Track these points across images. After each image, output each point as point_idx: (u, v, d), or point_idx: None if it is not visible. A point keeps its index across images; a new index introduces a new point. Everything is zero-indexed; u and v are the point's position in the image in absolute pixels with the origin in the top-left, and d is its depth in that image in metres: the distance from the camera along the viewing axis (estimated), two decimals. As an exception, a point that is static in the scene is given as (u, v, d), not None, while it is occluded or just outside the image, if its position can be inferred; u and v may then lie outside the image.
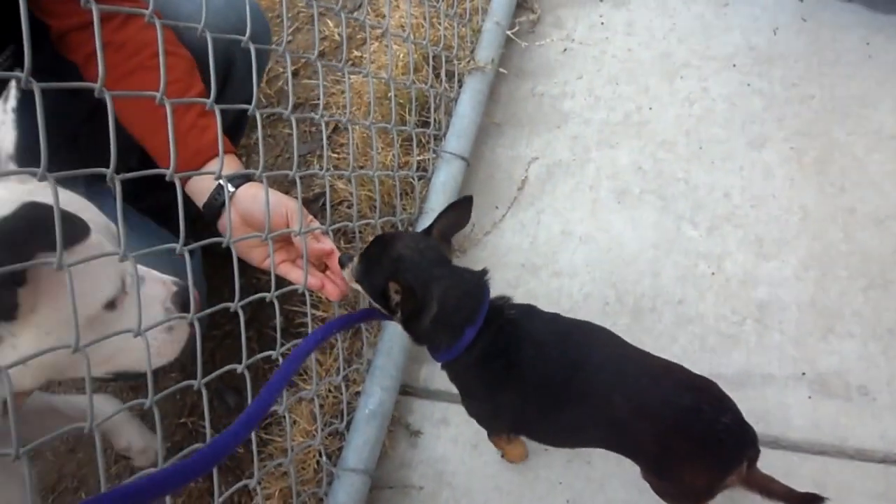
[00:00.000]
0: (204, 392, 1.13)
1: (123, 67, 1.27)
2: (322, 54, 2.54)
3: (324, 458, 1.46)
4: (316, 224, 1.32)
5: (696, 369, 1.56)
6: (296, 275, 1.30)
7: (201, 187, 1.26)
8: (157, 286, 1.07)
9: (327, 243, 1.33)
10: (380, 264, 1.18)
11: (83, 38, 1.29)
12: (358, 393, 1.58)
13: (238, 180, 1.25)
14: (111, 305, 0.99)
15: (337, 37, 2.53)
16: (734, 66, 2.08)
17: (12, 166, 0.96)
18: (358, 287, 1.24)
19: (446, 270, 1.19)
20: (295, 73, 2.56)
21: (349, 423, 1.53)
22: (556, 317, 1.25)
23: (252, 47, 1.23)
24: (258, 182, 1.24)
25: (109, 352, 1.00)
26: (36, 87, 0.82)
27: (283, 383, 1.05)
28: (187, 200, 1.17)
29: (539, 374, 1.16)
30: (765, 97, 1.99)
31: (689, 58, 2.13)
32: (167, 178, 1.05)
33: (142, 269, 1.03)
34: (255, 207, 1.22)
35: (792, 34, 2.10)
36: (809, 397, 1.53)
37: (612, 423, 1.14)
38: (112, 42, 1.26)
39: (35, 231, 0.84)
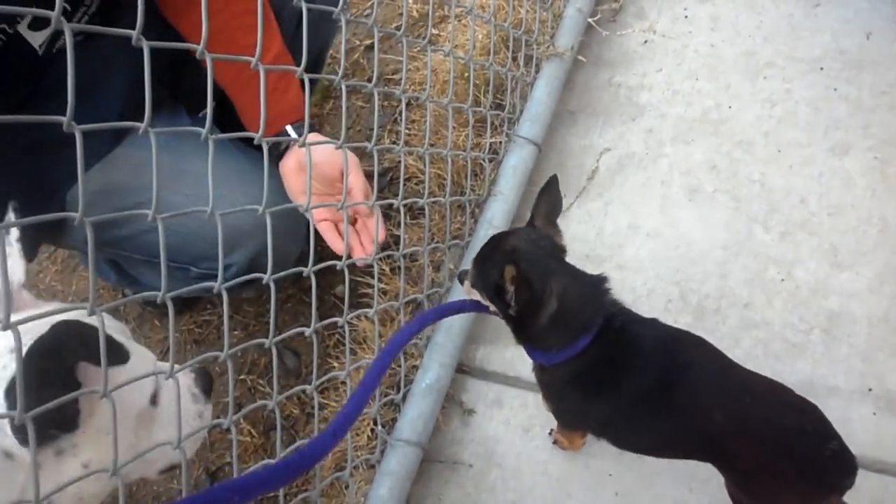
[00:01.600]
0: (274, 350, 1.16)
1: (214, 22, 1.30)
2: (398, 28, 2.55)
3: (379, 426, 1.49)
4: (367, 191, 1.36)
5: (759, 375, 1.55)
6: (330, 235, 1.35)
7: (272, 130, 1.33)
8: (181, 377, 1.07)
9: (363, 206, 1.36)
10: (493, 260, 1.14)
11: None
12: (416, 367, 1.60)
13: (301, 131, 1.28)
14: (154, 400, 1.05)
15: (415, 13, 2.54)
16: (821, 69, 2.02)
17: (25, 295, 1.00)
18: (476, 295, 1.21)
19: (565, 267, 1.16)
20: (370, 47, 2.58)
21: (405, 396, 1.55)
22: (658, 325, 1.22)
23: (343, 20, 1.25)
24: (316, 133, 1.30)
25: (157, 455, 1.06)
26: (145, 45, 0.85)
27: (379, 377, 1.09)
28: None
29: (639, 386, 1.14)
30: (851, 103, 1.93)
31: (774, 58, 2.07)
32: (255, 142, 1.09)
33: (163, 365, 1.05)
34: (315, 156, 1.26)
35: (886, 40, 2.02)
36: (874, 414, 1.49)
37: (710, 438, 1.12)
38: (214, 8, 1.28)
39: (76, 343, 0.87)
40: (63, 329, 0.86)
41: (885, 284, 1.64)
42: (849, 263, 1.68)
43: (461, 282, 1.26)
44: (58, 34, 1.30)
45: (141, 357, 1.04)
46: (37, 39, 1.30)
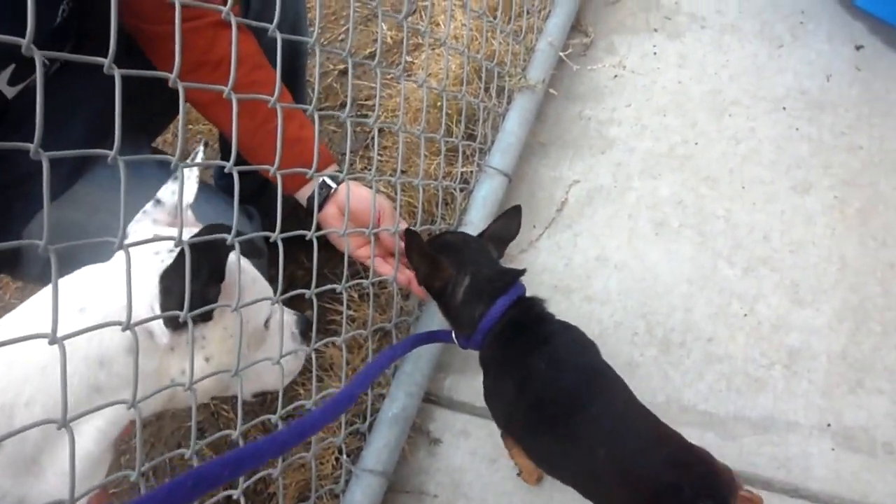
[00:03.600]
0: (240, 378, 1.15)
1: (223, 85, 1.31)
2: (372, 56, 2.57)
3: (344, 455, 1.47)
4: (404, 224, 1.47)
5: (721, 410, 1.58)
6: (385, 269, 1.48)
7: (305, 189, 1.45)
8: (288, 315, 1.26)
9: None
10: (422, 252, 1.33)
11: (167, 43, 1.33)
12: (382, 395, 1.59)
13: (336, 179, 1.45)
14: (266, 324, 1.17)
15: (389, 40, 2.56)
16: (784, 108, 2.08)
17: (189, 214, 1.13)
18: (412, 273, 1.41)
19: (485, 258, 1.36)
20: (344, 72, 2.59)
21: (371, 425, 1.54)
22: (580, 352, 1.29)
23: (317, 50, 1.26)
24: (355, 183, 1.43)
25: (256, 374, 1.18)
26: (117, 73, 0.85)
27: (365, 384, 1.20)
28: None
29: (540, 387, 1.20)
30: (812, 143, 1.98)
31: (739, 96, 2.13)
32: (281, 195, 1.18)
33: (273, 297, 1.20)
34: (354, 204, 1.40)
35: (845, 82, 2.09)
36: (833, 449, 1.52)
37: (591, 473, 1.13)
38: (207, 61, 1.30)
39: (224, 242, 1.00)
40: (216, 229, 0.98)
41: (844, 321, 1.68)
42: (809, 300, 1.72)
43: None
44: (26, 76, 1.30)
45: (263, 282, 1.19)
46: (11, 92, 1.30)
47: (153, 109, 1.57)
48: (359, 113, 2.34)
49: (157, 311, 0.98)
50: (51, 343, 0.81)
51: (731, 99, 2.12)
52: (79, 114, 1.41)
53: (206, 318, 1.03)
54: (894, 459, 1.49)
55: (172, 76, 0.95)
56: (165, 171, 1.32)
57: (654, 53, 2.28)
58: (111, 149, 0.97)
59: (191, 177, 1.14)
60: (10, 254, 1.43)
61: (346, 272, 1.43)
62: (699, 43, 2.28)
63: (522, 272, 1.35)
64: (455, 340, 1.39)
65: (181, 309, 0.96)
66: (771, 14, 2.29)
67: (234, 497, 1.17)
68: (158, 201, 1.15)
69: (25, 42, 0.75)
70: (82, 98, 1.39)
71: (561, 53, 2.24)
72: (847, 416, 1.56)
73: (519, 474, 1.53)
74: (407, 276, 1.50)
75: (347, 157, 1.42)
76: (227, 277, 1.04)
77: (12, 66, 1.29)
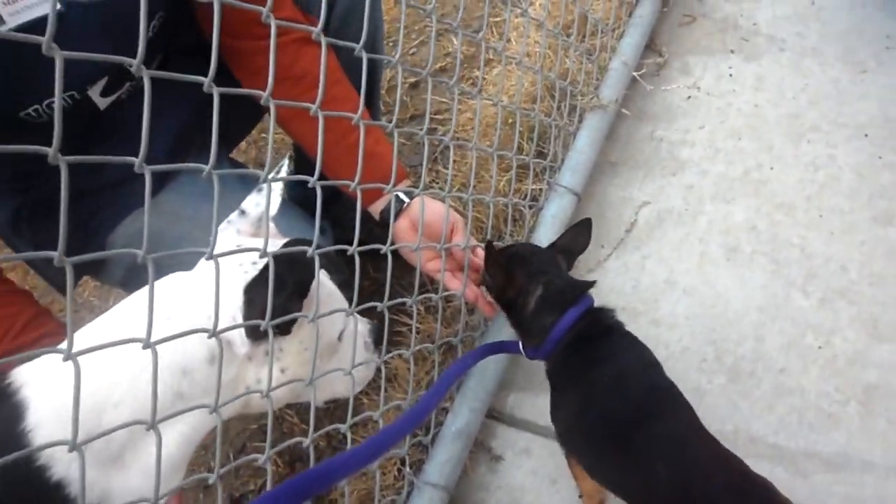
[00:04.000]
0: (313, 387, 1.17)
1: (305, 100, 1.34)
2: (443, 70, 2.60)
3: (407, 467, 1.49)
4: (473, 241, 1.49)
5: (792, 444, 1.53)
6: (454, 284, 1.49)
7: (378, 203, 1.48)
8: (361, 325, 1.29)
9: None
10: (495, 262, 1.36)
11: (254, 58, 1.38)
12: (445, 410, 1.60)
13: (409, 193, 1.47)
14: (340, 337, 1.20)
15: (461, 55, 2.58)
16: (866, 135, 2.02)
17: (273, 226, 1.16)
18: (486, 291, 1.44)
19: (555, 269, 1.37)
20: (415, 85, 2.63)
21: (434, 439, 1.55)
22: (652, 363, 1.30)
23: (399, 69, 1.28)
24: (428, 196, 1.44)
25: (328, 382, 1.22)
26: (215, 91, 0.88)
27: (441, 395, 1.24)
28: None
29: (605, 400, 1.22)
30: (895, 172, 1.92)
31: (818, 122, 2.08)
32: (360, 210, 1.23)
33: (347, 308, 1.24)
34: (427, 217, 1.41)
35: (933, 110, 2.02)
36: (910, 492, 1.46)
37: (650, 491, 1.14)
38: (290, 77, 1.34)
39: (305, 259, 1.04)
40: (299, 243, 1.03)
41: (926, 359, 1.62)
42: (889, 335, 1.66)
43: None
44: (117, 88, 1.36)
45: (339, 296, 1.22)
46: (103, 104, 1.36)
47: (232, 122, 1.62)
48: (429, 127, 2.37)
49: (240, 322, 1.00)
50: (144, 348, 0.85)
51: (809, 124, 2.07)
52: (164, 125, 1.46)
53: (285, 331, 1.05)
54: (977, 507, 1.43)
55: (265, 94, 0.98)
56: (244, 182, 1.36)
57: (730, 75, 2.24)
58: (194, 159, 1.01)
59: (275, 190, 1.18)
60: (94, 260, 1.50)
61: (416, 285, 1.44)
62: (777, 66, 2.24)
63: (593, 283, 1.35)
64: (522, 351, 1.40)
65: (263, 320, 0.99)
66: (855, 39, 2.24)
67: None
68: (243, 212, 1.18)
69: (136, 62, 0.78)
70: (168, 110, 1.44)
71: (634, 73, 2.22)
72: (927, 458, 1.50)
73: (580, 496, 1.51)
74: (475, 291, 1.52)
75: (424, 172, 1.45)
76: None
77: (105, 79, 1.35)
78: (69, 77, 1.25)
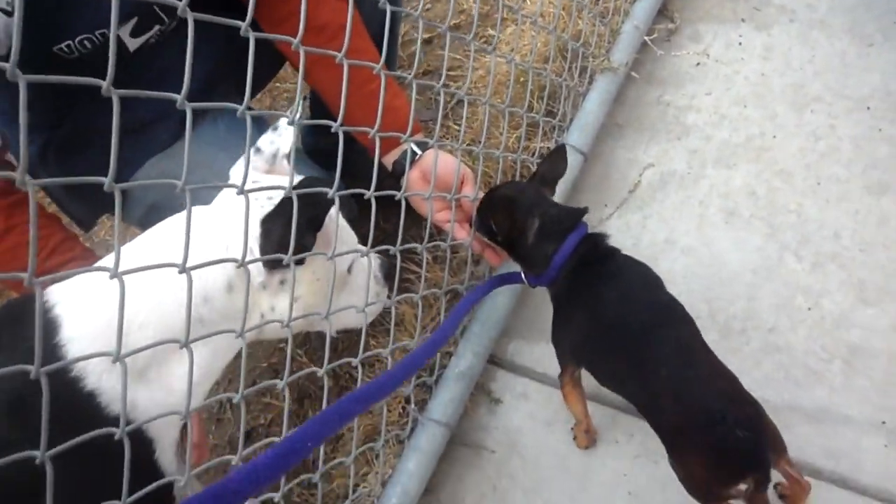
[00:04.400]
0: (329, 322, 1.24)
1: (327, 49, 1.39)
2: (457, 27, 2.63)
3: (412, 405, 1.57)
4: (483, 194, 1.53)
5: (777, 398, 1.62)
6: (462, 234, 1.55)
7: (391, 154, 1.53)
8: (373, 259, 1.34)
9: None
10: (488, 206, 1.45)
11: (278, 6, 1.41)
12: (449, 353, 1.68)
13: (422, 146, 1.51)
14: (350, 269, 1.26)
15: (475, 12, 2.60)
16: (868, 108, 2.07)
17: (286, 164, 1.20)
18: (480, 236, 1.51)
19: (545, 200, 1.46)
20: (428, 41, 2.66)
21: (437, 379, 1.64)
22: (653, 279, 1.43)
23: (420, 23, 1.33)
24: (439, 149, 1.48)
25: (341, 313, 1.27)
26: (251, 36, 0.93)
27: (454, 326, 1.34)
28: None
29: (612, 311, 1.33)
30: (893, 145, 1.97)
31: (822, 93, 2.13)
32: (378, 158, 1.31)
33: (362, 247, 1.30)
34: (438, 169, 1.46)
35: (934, 87, 2.07)
36: (885, 446, 1.55)
37: (651, 389, 1.26)
38: (312, 27, 1.37)
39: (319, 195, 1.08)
40: (316, 182, 1.07)
41: (908, 324, 1.69)
42: (875, 300, 1.74)
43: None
44: (147, 28, 1.40)
45: (350, 231, 1.30)
46: (133, 45, 1.40)
47: (255, 71, 1.66)
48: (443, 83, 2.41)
49: (256, 252, 1.07)
50: (180, 272, 0.91)
51: (813, 95, 2.12)
52: (195, 65, 1.51)
53: (300, 261, 1.12)
54: (946, 461, 1.52)
55: (295, 41, 1.03)
56: (261, 128, 1.42)
57: (740, 44, 2.28)
58: (221, 99, 1.05)
59: (290, 129, 1.22)
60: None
61: (427, 233, 1.51)
62: (786, 36, 2.27)
63: (586, 210, 1.45)
64: (526, 280, 1.50)
65: (278, 251, 1.05)
66: (863, 12, 2.27)
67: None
68: (258, 149, 1.23)
69: (182, 3, 0.83)
70: (194, 57, 1.48)
71: (646, 38, 2.26)
72: (902, 415, 1.58)
73: (572, 428, 1.61)
74: (481, 243, 1.58)
75: (438, 125, 1.50)
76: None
77: (135, 19, 1.39)
78: (101, 14, 1.29)
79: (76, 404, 0.95)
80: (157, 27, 1.43)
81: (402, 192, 1.38)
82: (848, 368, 1.65)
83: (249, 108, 1.01)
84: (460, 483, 1.61)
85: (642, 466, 1.58)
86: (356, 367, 1.37)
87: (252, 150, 1.23)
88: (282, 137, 1.21)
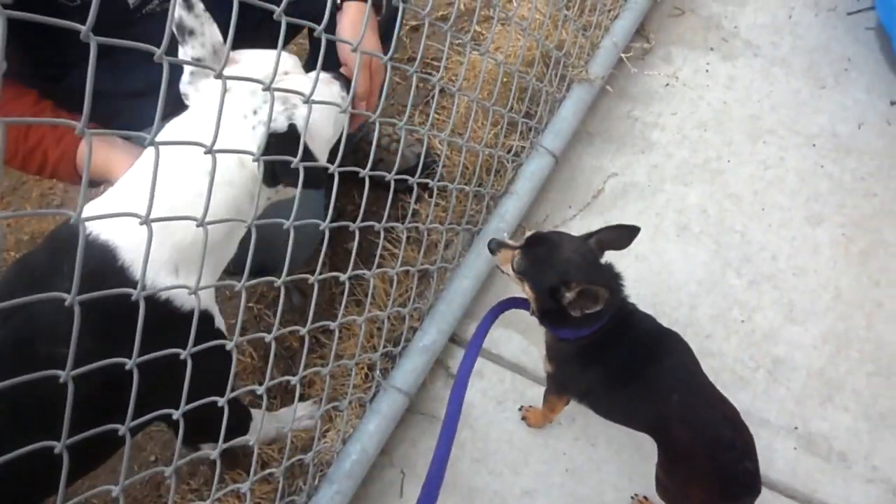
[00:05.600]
0: (283, 288, 1.30)
1: None
2: (444, 18, 2.72)
3: (377, 371, 1.68)
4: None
5: (706, 396, 1.78)
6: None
7: None
8: (332, 87, 1.32)
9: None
10: (550, 264, 1.36)
11: None
12: (414, 328, 1.79)
13: None
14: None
15: (462, 6, 2.71)
16: (814, 145, 2.26)
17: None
18: (513, 277, 1.41)
19: (605, 273, 1.41)
20: (415, 28, 2.75)
21: (402, 351, 1.75)
22: (653, 320, 1.50)
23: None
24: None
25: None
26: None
27: (471, 365, 1.43)
28: None
29: (626, 360, 1.41)
30: (833, 182, 2.17)
31: (776, 126, 2.31)
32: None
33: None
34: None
35: (874, 133, 2.27)
36: (795, 449, 1.74)
37: (662, 416, 1.38)
38: None
39: None
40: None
41: (828, 344, 1.88)
42: (801, 319, 1.92)
43: (492, 251, 1.46)
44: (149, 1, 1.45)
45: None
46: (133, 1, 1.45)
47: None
48: (424, 71, 2.50)
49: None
50: (206, 153, 0.99)
51: (768, 127, 2.30)
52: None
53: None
54: (845, 467, 1.71)
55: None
56: None
57: (707, 71, 2.45)
58: None
59: (204, 20, 1.22)
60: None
61: (409, 215, 1.61)
62: (749, 69, 2.45)
63: (622, 278, 1.44)
64: (551, 328, 1.47)
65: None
66: (821, 55, 2.46)
67: (292, 383, 1.37)
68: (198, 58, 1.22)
69: None
70: None
71: (622, 55, 2.40)
72: (813, 423, 1.77)
73: (523, 418, 1.74)
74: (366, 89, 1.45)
75: (409, 107, 1.57)
76: None
77: None
78: None
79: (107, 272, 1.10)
80: None
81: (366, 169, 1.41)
82: (770, 378, 1.83)
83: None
84: (413, 447, 1.73)
85: (581, 448, 1.73)
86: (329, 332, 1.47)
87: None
88: (205, 26, 1.21)
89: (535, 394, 1.80)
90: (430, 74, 2.48)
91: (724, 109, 2.35)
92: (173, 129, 1.20)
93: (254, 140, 1.16)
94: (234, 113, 1.16)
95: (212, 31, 1.22)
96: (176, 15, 1.19)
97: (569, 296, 1.31)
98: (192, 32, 1.20)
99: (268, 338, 1.27)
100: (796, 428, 1.76)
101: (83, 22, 0.74)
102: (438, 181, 1.70)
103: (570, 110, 2.20)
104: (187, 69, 1.24)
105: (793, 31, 2.52)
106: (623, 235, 1.45)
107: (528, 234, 1.45)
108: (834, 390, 1.82)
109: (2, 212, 2.58)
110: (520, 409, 1.76)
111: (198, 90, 1.24)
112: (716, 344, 1.89)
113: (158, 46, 0.87)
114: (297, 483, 1.64)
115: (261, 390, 1.26)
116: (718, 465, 1.34)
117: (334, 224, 1.33)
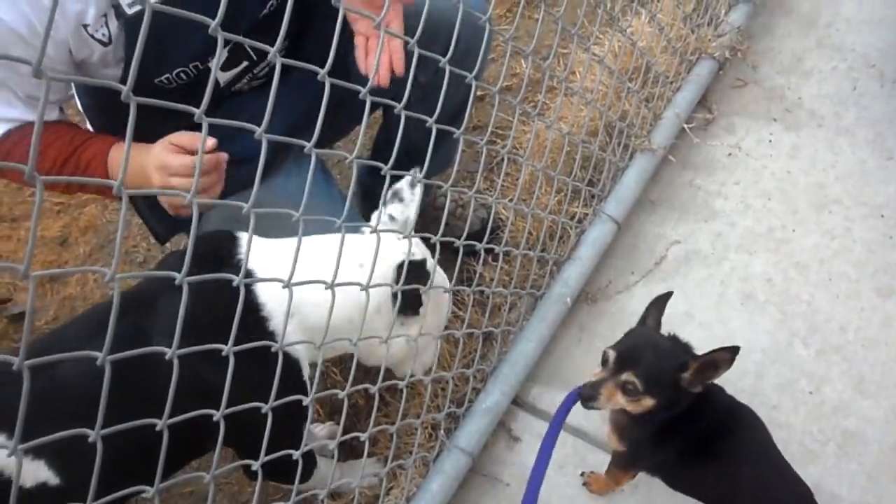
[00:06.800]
0: (356, 349, 1.39)
1: None
2: (508, 89, 2.83)
3: (441, 431, 1.72)
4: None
5: (774, 469, 1.75)
6: (361, 52, 1.49)
7: None
8: None
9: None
10: (663, 362, 1.35)
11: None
12: (477, 390, 1.83)
13: None
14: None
15: (528, 77, 2.81)
16: (882, 216, 2.24)
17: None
18: (630, 405, 1.34)
19: (682, 345, 1.44)
20: (481, 98, 2.86)
21: (466, 412, 1.78)
22: (726, 394, 1.52)
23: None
24: None
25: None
26: (327, 81, 1.04)
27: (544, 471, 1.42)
28: None
29: (702, 433, 1.41)
30: (902, 253, 2.15)
31: (841, 196, 2.30)
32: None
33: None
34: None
35: (945, 205, 2.24)
36: (868, 527, 1.69)
37: (736, 491, 1.38)
38: None
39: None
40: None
41: (900, 419, 1.84)
42: (872, 392, 1.88)
43: (591, 398, 1.35)
44: (239, 79, 1.58)
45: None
46: (223, 78, 1.58)
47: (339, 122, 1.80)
48: (490, 139, 2.60)
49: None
50: (361, 290, 1.23)
51: (833, 197, 2.30)
52: (280, 114, 1.66)
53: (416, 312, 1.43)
54: (922, 549, 1.65)
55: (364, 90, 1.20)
56: (330, 181, 1.61)
57: (770, 141, 2.47)
58: (293, 160, 1.21)
59: (416, 194, 1.47)
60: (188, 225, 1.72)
61: (477, 277, 1.67)
62: (814, 139, 2.46)
63: None
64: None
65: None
66: (886, 126, 2.46)
67: (361, 439, 1.42)
68: (392, 218, 1.47)
69: (274, 49, 0.95)
70: (287, 100, 1.59)
71: (685, 125, 2.45)
72: (886, 501, 1.72)
73: (584, 484, 1.74)
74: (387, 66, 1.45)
75: (479, 179, 1.67)
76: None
77: (225, 54, 1.55)
78: (194, 46, 1.46)
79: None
80: (245, 63, 1.60)
81: (462, 238, 1.54)
82: (841, 452, 1.79)
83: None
84: (475, 509, 1.74)
85: (644, 516, 1.71)
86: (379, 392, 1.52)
87: (388, 219, 1.46)
88: (409, 206, 1.45)
89: (597, 459, 1.80)
90: (495, 142, 2.57)
91: (789, 179, 2.37)
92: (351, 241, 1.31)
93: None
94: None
95: (412, 210, 1.47)
96: (397, 185, 1.47)
97: (687, 377, 1.32)
98: (401, 200, 1.46)
99: (341, 395, 1.33)
100: (869, 505, 1.71)
101: (179, 101, 0.85)
102: (504, 246, 1.75)
103: (633, 179, 2.25)
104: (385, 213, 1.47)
105: (857, 102, 2.54)
106: (661, 304, 1.49)
107: (609, 353, 1.37)
108: (909, 468, 1.76)
109: (38, 271, 2.75)
110: (581, 475, 1.77)
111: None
112: (783, 415, 1.86)
113: (248, 118, 0.98)
114: (360, 540, 1.67)
115: (332, 445, 1.32)
116: None
117: (406, 286, 1.40)
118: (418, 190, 1.45)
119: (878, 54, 2.61)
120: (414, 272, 1.36)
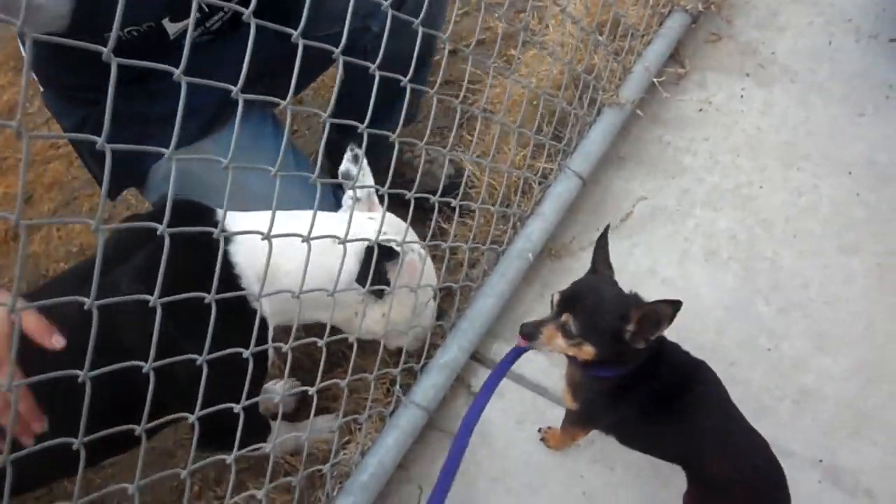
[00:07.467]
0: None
1: None
2: (479, 43, 2.77)
3: (397, 386, 1.71)
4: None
5: (729, 425, 1.76)
6: None
7: None
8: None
9: None
10: (605, 309, 1.30)
11: None
12: (436, 345, 1.82)
13: None
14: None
15: (499, 31, 2.75)
16: (850, 173, 2.22)
17: (375, 200, 1.61)
18: (568, 347, 1.32)
19: (639, 301, 1.36)
20: (452, 52, 2.80)
21: (423, 367, 1.77)
22: (683, 351, 1.50)
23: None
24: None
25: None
26: (253, 22, 1.03)
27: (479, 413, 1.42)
28: None
29: (658, 394, 1.40)
30: (869, 210, 2.13)
31: (811, 153, 2.28)
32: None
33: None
34: None
35: (915, 163, 2.23)
36: (819, 482, 1.70)
37: (696, 446, 1.39)
38: None
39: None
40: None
41: (857, 376, 1.84)
42: (831, 349, 1.89)
43: (531, 336, 1.34)
44: (186, 17, 1.53)
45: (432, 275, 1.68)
46: (172, 29, 1.53)
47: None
48: (452, 94, 2.55)
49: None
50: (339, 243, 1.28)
51: (802, 154, 2.27)
52: (224, 73, 1.62)
53: (379, 295, 1.50)
54: None
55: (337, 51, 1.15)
56: (278, 133, 1.57)
57: (741, 96, 2.43)
58: (243, 112, 1.18)
59: (364, 168, 1.51)
60: (139, 177, 1.74)
61: (430, 233, 1.64)
62: (786, 95, 2.43)
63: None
64: (590, 371, 1.42)
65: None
66: (860, 82, 2.42)
67: (309, 392, 1.41)
68: (359, 199, 1.56)
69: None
70: (228, 60, 1.58)
71: (655, 79, 2.41)
72: (840, 456, 1.73)
73: (542, 439, 1.74)
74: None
75: (454, 133, 1.63)
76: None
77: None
78: (148, 6, 1.41)
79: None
80: (201, 28, 1.56)
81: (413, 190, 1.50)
82: (796, 408, 1.80)
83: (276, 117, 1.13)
84: (432, 464, 1.74)
85: (598, 471, 1.72)
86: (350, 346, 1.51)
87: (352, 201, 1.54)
88: (364, 178, 1.52)
89: (556, 414, 1.80)
90: (465, 98, 2.52)
91: (758, 135, 2.34)
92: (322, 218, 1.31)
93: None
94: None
95: (368, 179, 1.55)
96: (344, 167, 1.53)
97: (630, 329, 1.26)
98: (352, 177, 1.52)
99: (284, 348, 1.31)
100: (821, 461, 1.72)
101: (129, 57, 0.83)
102: (463, 201, 1.72)
103: (600, 134, 2.22)
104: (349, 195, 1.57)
105: (832, 57, 2.50)
106: (605, 242, 1.45)
107: (555, 297, 1.35)
108: (863, 423, 1.77)
109: (28, 220, 2.70)
110: (539, 430, 1.77)
111: (346, 210, 1.57)
112: (741, 371, 1.86)
113: (193, 72, 0.94)
114: (316, 494, 1.67)
115: (277, 398, 1.31)
116: (755, 497, 1.34)
117: (355, 239, 1.37)
118: (363, 162, 1.48)
119: (855, 9, 2.56)
120: (380, 255, 1.41)
